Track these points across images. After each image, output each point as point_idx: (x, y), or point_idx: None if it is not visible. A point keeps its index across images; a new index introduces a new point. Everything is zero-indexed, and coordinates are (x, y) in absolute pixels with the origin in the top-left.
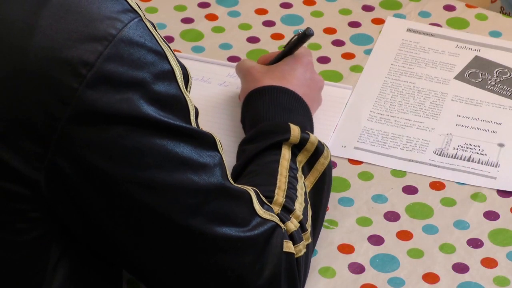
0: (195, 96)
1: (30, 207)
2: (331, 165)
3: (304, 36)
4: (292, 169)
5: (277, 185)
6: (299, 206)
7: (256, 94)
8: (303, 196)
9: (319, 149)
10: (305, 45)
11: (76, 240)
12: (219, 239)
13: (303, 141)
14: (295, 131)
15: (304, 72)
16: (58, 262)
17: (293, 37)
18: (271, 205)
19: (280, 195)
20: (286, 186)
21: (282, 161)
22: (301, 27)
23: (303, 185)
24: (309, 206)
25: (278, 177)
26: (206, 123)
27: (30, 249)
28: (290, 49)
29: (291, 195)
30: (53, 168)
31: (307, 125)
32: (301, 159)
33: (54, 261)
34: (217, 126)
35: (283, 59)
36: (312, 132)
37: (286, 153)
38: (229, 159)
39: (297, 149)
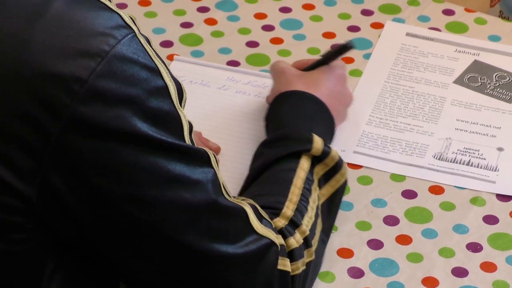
0: (194, 100)
1: (24, 219)
2: (346, 183)
3: (344, 48)
4: (308, 181)
5: (289, 197)
6: (307, 220)
7: (285, 96)
8: (314, 210)
9: (338, 165)
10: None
11: (71, 249)
12: (210, 255)
13: (324, 155)
14: (318, 143)
15: (336, 84)
16: (54, 271)
17: (333, 47)
18: (278, 217)
19: (289, 208)
20: (298, 198)
21: (299, 171)
22: (300, 32)
23: (317, 198)
24: (319, 220)
25: (292, 188)
26: (205, 127)
27: (26, 259)
28: (327, 59)
29: (301, 209)
30: (45, 183)
31: (327, 138)
32: (318, 171)
33: (50, 270)
34: (216, 130)
35: (318, 67)
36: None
37: (304, 164)
38: (226, 163)
39: (316, 160)
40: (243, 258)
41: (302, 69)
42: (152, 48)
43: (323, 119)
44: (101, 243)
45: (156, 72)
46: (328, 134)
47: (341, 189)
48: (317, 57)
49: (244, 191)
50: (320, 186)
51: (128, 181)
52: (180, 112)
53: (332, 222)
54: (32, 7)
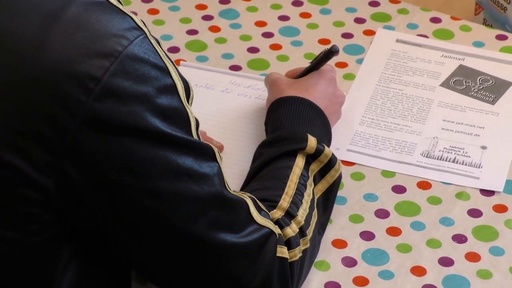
0: (200, 102)
1: (42, 210)
2: (341, 178)
3: (329, 53)
4: (303, 177)
5: (285, 190)
6: (302, 212)
7: (280, 103)
8: (309, 203)
9: (332, 162)
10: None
11: (86, 240)
12: (216, 245)
13: (318, 153)
14: (311, 142)
15: (327, 86)
16: (69, 262)
17: (320, 53)
18: (275, 209)
19: (285, 200)
20: (294, 192)
21: (295, 168)
22: (298, 38)
23: (312, 193)
24: (314, 213)
25: (288, 183)
26: (209, 127)
27: (42, 249)
28: (316, 64)
29: (296, 201)
30: (62, 175)
31: (324, 138)
32: (314, 168)
33: (64, 261)
34: (219, 130)
35: (308, 73)
36: (330, 143)
37: (300, 161)
38: (228, 160)
39: (311, 158)
40: (246, 247)
41: (294, 77)
42: (162, 49)
43: (317, 120)
44: (112, 233)
45: (165, 71)
46: (325, 133)
47: (336, 184)
48: (307, 64)
49: (245, 187)
50: (316, 182)
51: (140, 173)
52: (187, 109)
53: (328, 214)
54: (48, 10)
